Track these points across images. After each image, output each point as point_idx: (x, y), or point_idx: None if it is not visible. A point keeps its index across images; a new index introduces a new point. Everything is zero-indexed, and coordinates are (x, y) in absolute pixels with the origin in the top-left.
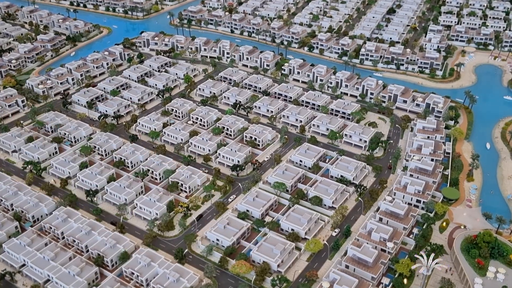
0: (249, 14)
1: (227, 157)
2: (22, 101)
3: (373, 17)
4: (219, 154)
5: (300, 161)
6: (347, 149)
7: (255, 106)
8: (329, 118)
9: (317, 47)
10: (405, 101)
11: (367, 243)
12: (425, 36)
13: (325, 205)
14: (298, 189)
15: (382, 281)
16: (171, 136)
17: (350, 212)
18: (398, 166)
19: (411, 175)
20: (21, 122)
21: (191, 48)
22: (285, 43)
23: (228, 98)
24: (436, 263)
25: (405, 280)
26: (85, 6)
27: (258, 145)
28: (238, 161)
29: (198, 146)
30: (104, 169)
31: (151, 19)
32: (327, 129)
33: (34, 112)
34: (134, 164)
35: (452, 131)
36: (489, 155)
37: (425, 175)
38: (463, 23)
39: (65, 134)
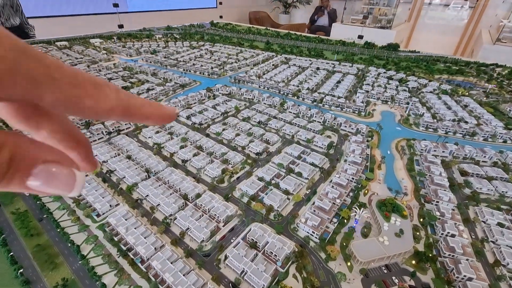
0: (268, 79)
1: (253, 148)
2: None
3: (329, 84)
4: (250, 146)
5: (291, 153)
6: (316, 149)
7: (270, 123)
8: (307, 132)
9: (301, 97)
10: (345, 126)
11: (325, 199)
12: (356, 95)
13: (303, 177)
14: (289, 167)
15: (333, 220)
16: (226, 135)
17: (317, 181)
18: (341, 159)
19: (349, 164)
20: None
21: (239, 93)
22: (286, 93)
23: (256, 118)
24: (363, 212)
25: (345, 221)
26: (189, 71)
27: (270, 143)
28: (259, 151)
29: (239, 141)
30: (192, 149)
31: (221, 79)
32: (305, 137)
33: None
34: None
35: (370, 143)
36: (389, 157)
37: (357, 165)
38: (374, 90)
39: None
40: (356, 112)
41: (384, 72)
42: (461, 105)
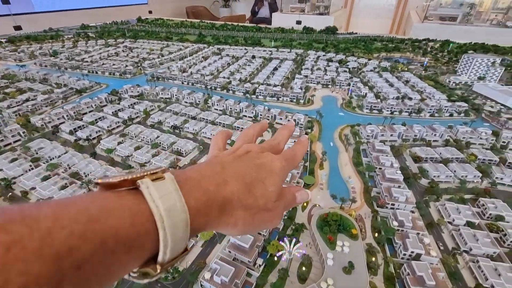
0: (194, 73)
1: (156, 163)
2: (23, 132)
3: (265, 72)
4: (152, 162)
5: None
6: None
7: (186, 127)
8: (232, 132)
9: (231, 90)
10: (281, 118)
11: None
12: (294, 81)
13: None
14: None
15: (256, 262)
16: (121, 151)
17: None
18: None
19: None
20: (16, 147)
21: (153, 93)
22: (213, 88)
23: (169, 122)
24: (296, 249)
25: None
26: (96, 72)
27: (182, 153)
28: (165, 165)
29: (139, 157)
30: (60, 179)
31: (136, 79)
32: (231, 139)
33: (29, 140)
34: (87, 174)
35: (309, 135)
36: (332, 150)
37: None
38: (314, 74)
39: (42, 155)
40: (294, 100)
41: (324, 55)
42: (402, 81)
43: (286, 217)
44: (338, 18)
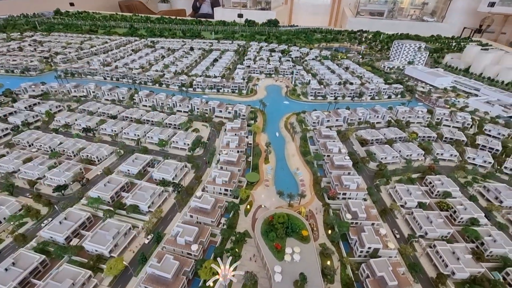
0: (121, 67)
1: (53, 179)
2: None
3: (204, 64)
4: (47, 176)
5: (128, 170)
6: (175, 152)
7: (102, 128)
8: (161, 130)
9: (164, 83)
10: (220, 111)
11: (174, 249)
12: (235, 71)
13: (142, 210)
14: (118, 200)
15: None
16: (2, 166)
17: (168, 211)
18: (214, 161)
19: (221, 168)
20: None
21: (63, 91)
22: (142, 82)
23: (80, 124)
24: (232, 274)
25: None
26: None
27: (94, 161)
28: (65, 181)
29: (28, 172)
30: None
31: (43, 76)
32: (159, 138)
33: None
34: None
35: (252, 127)
36: (278, 141)
37: (232, 165)
38: (256, 63)
39: None
40: (236, 91)
41: (266, 46)
42: (343, 68)
43: (225, 227)
44: (280, 13)
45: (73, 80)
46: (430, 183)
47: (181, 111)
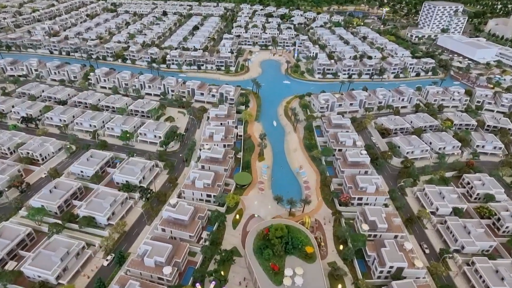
0: (72, 37)
1: None
2: None
3: (181, 33)
4: None
5: (81, 171)
6: (143, 148)
7: (48, 117)
8: (124, 119)
9: (129, 58)
10: (202, 94)
11: (141, 273)
12: (221, 43)
13: (100, 223)
14: (68, 211)
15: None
16: None
17: (134, 225)
18: (193, 158)
19: (202, 167)
20: None
21: None
22: (99, 57)
23: (18, 112)
24: None
25: None
26: None
27: (37, 160)
28: None
29: None
30: None
31: None
32: (122, 130)
33: None
34: None
35: (243, 114)
36: (276, 132)
37: (216, 164)
38: (249, 32)
39: None
40: (222, 68)
41: (261, 9)
42: (359, 38)
43: (207, 243)
44: None
45: (9, 55)
46: (468, 183)
47: (150, 94)
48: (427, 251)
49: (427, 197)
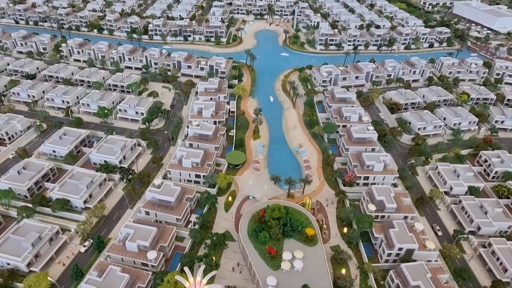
0: (40, 5)
1: None
2: None
3: (165, 0)
4: None
5: (54, 151)
6: (123, 125)
7: (14, 93)
8: (101, 93)
9: (106, 28)
10: (189, 67)
11: (122, 259)
12: (210, 11)
13: (76, 207)
14: (39, 194)
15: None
16: None
17: (114, 208)
18: (180, 136)
19: (190, 145)
20: None
21: None
22: (72, 27)
23: None
24: None
25: None
26: None
27: (3, 140)
28: None
29: None
30: None
31: None
32: (99, 106)
33: None
34: None
35: (236, 89)
36: (273, 108)
37: (206, 142)
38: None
39: None
40: (212, 38)
41: None
42: (366, 5)
43: (196, 226)
44: None
45: None
46: (486, 161)
47: (131, 67)
48: (439, 233)
49: (440, 175)
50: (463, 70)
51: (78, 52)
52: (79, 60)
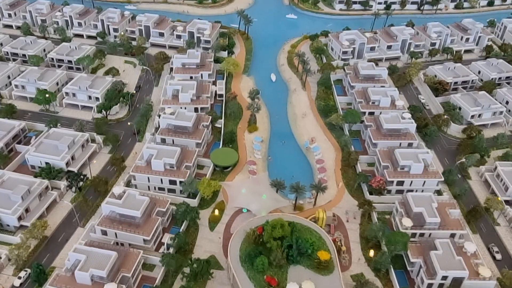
0: None
1: None
2: None
3: None
4: None
5: None
6: (72, 115)
7: None
8: (41, 72)
9: None
10: (161, 34)
11: None
12: None
13: (8, 225)
14: None
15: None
16: None
17: (60, 226)
18: (149, 129)
19: (163, 140)
20: None
21: None
22: None
23: None
24: None
25: None
26: None
27: None
28: None
29: None
30: None
31: None
32: (37, 89)
33: None
34: None
35: (224, 64)
36: (276, 89)
37: (183, 136)
38: None
39: None
40: None
41: None
42: None
43: (170, 250)
44: None
45: None
46: None
47: (82, 35)
48: (498, 256)
49: (500, 179)
50: None
51: (9, 15)
52: (10, 26)
